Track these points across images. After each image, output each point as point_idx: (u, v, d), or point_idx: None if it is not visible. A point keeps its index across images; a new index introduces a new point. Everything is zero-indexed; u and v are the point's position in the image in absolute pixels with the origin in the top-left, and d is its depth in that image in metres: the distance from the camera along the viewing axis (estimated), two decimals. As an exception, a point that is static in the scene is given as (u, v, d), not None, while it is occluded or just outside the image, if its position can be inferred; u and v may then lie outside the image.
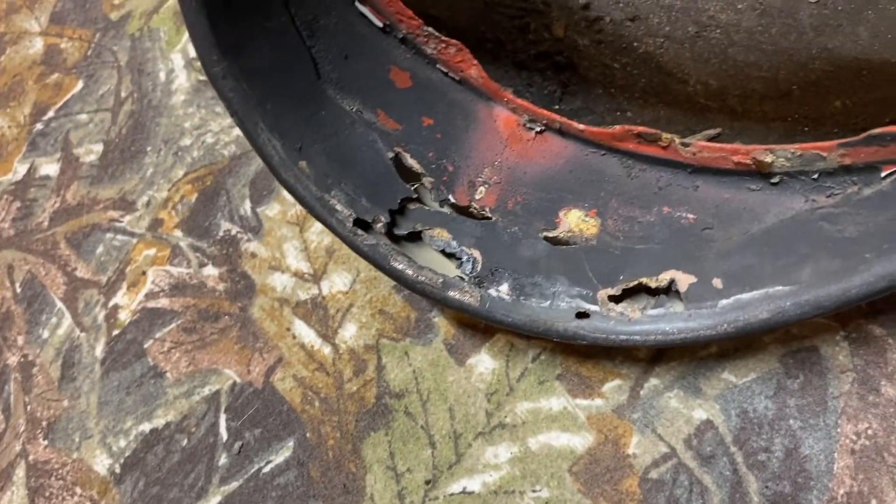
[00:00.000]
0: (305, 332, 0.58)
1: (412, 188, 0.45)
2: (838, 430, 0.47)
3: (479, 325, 0.55)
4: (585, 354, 0.52)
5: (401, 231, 0.45)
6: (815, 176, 0.41)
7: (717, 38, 0.58)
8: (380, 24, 0.44)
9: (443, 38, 0.44)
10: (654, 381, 0.51)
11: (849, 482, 0.46)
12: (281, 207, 0.63)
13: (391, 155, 0.45)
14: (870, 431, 0.47)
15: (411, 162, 0.45)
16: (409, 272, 0.44)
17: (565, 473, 0.49)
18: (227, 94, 0.38)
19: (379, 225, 0.44)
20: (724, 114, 0.55)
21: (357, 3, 0.43)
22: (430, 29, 0.44)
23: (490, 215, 0.46)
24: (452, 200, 0.46)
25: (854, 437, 0.47)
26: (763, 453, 0.48)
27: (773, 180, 0.42)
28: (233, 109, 0.39)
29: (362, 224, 0.43)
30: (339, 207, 0.43)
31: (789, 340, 0.50)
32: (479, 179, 0.47)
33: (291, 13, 0.40)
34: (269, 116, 0.40)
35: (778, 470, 0.47)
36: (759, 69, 0.56)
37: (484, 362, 0.54)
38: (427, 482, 0.51)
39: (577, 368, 0.52)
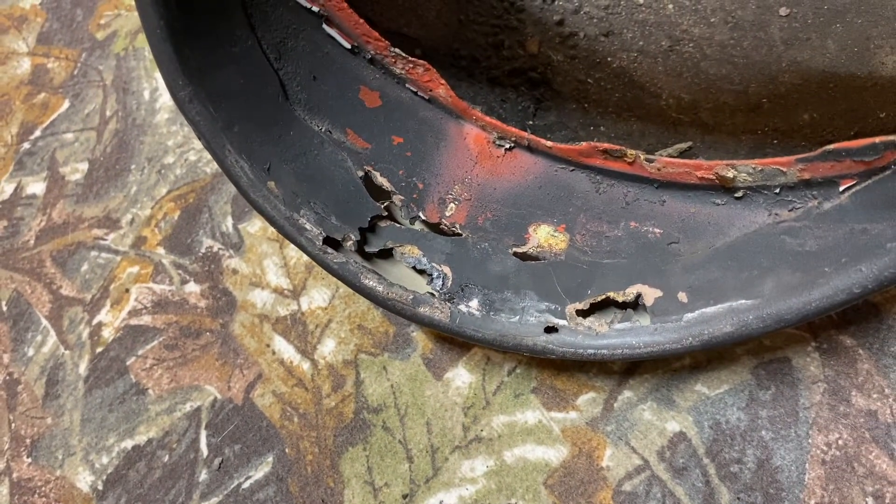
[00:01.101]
0: (285, 348, 0.58)
1: (382, 206, 0.46)
2: (809, 440, 0.47)
3: (456, 340, 0.56)
4: (560, 367, 0.53)
5: (372, 248, 0.46)
6: (777, 190, 0.41)
7: (690, 52, 0.59)
8: (348, 46, 0.45)
9: (410, 58, 0.44)
10: (627, 394, 0.51)
11: (820, 493, 0.46)
12: (262, 224, 0.64)
13: (361, 174, 0.45)
14: (840, 442, 0.47)
15: (381, 180, 0.46)
16: (380, 289, 0.44)
17: (540, 486, 0.50)
18: (195, 118, 0.39)
19: (349, 243, 0.44)
20: (696, 127, 0.56)
21: (324, 26, 0.44)
22: (397, 50, 0.44)
23: (460, 232, 0.47)
24: (423, 218, 0.47)
25: (825, 448, 0.47)
26: (735, 465, 0.48)
27: (737, 195, 0.43)
28: (200, 132, 0.39)
29: (332, 242, 0.44)
30: (308, 226, 0.43)
31: (761, 352, 0.50)
32: (450, 196, 0.47)
33: (258, 37, 0.41)
34: (237, 138, 0.40)
35: (750, 481, 0.47)
36: (731, 82, 0.56)
37: (461, 376, 0.55)
38: (404, 496, 0.52)
39: (552, 381, 0.53)
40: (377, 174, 0.46)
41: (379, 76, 0.46)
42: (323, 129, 0.44)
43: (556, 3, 0.61)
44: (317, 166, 0.44)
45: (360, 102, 0.45)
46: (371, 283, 0.44)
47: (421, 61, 0.44)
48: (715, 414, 0.49)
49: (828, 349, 0.49)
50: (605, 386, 0.52)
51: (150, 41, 0.37)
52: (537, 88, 0.58)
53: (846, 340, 0.49)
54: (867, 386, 0.48)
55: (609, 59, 0.59)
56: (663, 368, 0.51)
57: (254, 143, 0.41)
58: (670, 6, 0.61)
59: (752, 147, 0.53)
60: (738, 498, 0.47)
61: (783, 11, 0.57)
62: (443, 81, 0.45)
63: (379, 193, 0.46)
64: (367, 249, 0.46)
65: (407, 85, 0.46)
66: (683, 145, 0.55)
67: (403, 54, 0.44)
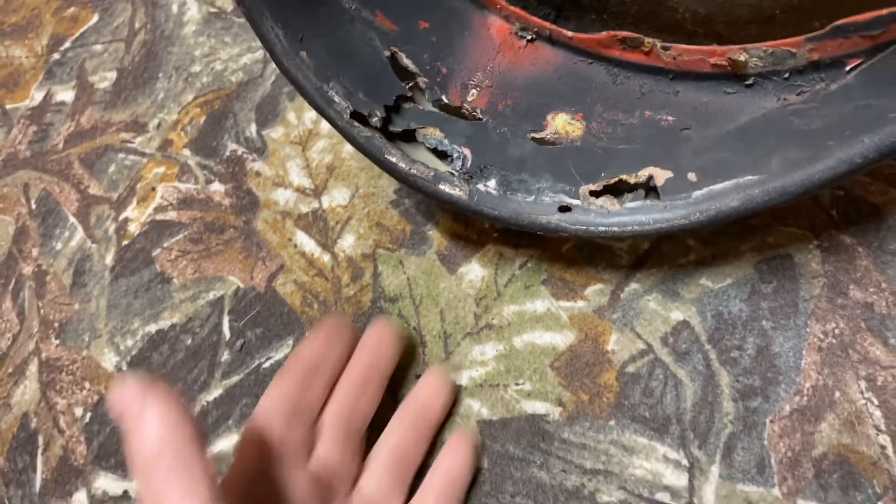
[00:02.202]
0: (306, 242, 0.60)
1: (407, 87, 0.47)
2: (807, 329, 0.50)
3: (470, 238, 0.58)
4: (569, 262, 0.55)
5: (395, 128, 0.48)
6: (787, 75, 0.43)
7: (708, -30, 0.60)
8: (380, -71, 0.47)
9: (439, -57, 0.46)
10: (634, 286, 0.53)
11: (815, 376, 0.48)
12: (285, 130, 0.66)
13: (388, 54, 0.47)
14: (836, 331, 0.49)
15: (407, 62, 0.48)
16: (402, 165, 0.47)
17: (547, 368, 0.52)
18: (235, -19, 0.41)
19: (374, 119, 0.46)
20: (711, 38, 0.58)
21: None
22: (428, -66, 0.46)
23: (481, 116, 0.49)
24: (445, 101, 0.48)
25: (822, 336, 0.49)
26: (736, 351, 0.50)
27: (747, 82, 0.45)
28: (240, -2, 0.41)
29: (359, 117, 0.46)
30: (337, 99, 0.45)
31: (765, 249, 0.52)
32: (472, 82, 0.49)
33: None
34: (274, 6, 0.42)
35: (749, 366, 0.49)
36: (746, -3, 0.58)
37: (474, 271, 0.57)
38: (417, 377, 0.54)
39: (562, 274, 0.55)
40: (403, 55, 0.47)
41: (408, -38, 0.48)
42: (353, 8, 0.46)
43: (579, -81, 0.63)
44: (347, 42, 0.46)
45: (389, -15, 0.47)
46: (394, 158, 0.47)
47: (449, -53, 0.46)
48: (718, 305, 0.52)
49: (829, 247, 0.52)
50: (613, 278, 0.54)
51: None
52: (558, -2, 0.60)
53: (846, 239, 0.52)
54: (865, 280, 0.50)
55: (628, -27, 0.61)
56: (669, 263, 0.54)
57: (289, 13, 0.43)
58: (690, -73, 0.62)
59: (764, 55, 0.55)
60: (738, 380, 0.49)
61: (800, -70, 0.58)
62: (469, -31, 0.47)
63: (404, 75, 0.48)
64: (391, 129, 0.48)
65: (434, -27, 0.48)
66: (698, 52, 0.56)
67: (433, -61, 0.46)
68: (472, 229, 0.58)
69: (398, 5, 0.48)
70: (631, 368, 0.51)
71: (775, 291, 0.51)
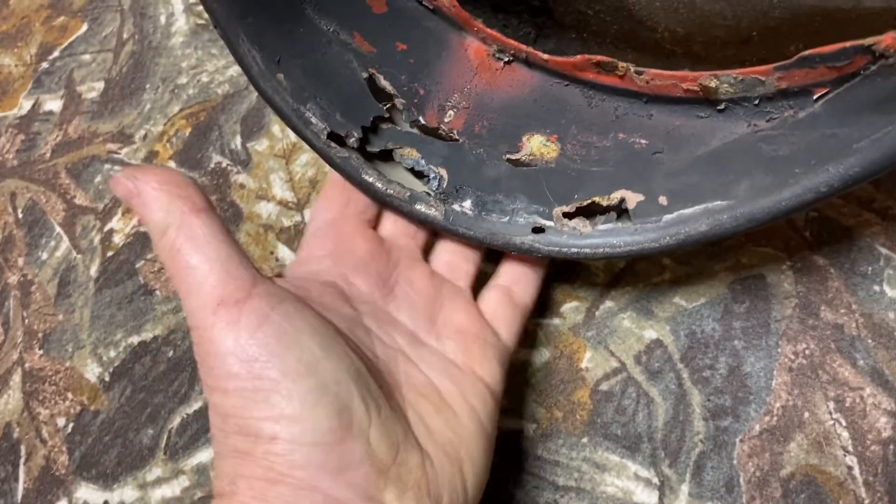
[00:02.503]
0: (288, 255, 0.61)
1: (385, 108, 0.48)
2: (779, 350, 0.50)
3: (450, 253, 0.59)
4: (546, 279, 0.55)
5: (373, 148, 0.48)
6: (756, 101, 0.44)
7: (688, -11, 0.61)
8: (358, -49, 0.47)
9: (417, -34, 0.47)
10: (609, 304, 0.54)
11: (785, 396, 0.49)
12: (269, 143, 0.66)
13: (365, 75, 0.48)
14: (807, 351, 0.50)
15: (384, 83, 0.48)
16: (379, 185, 0.47)
17: (522, 385, 0.53)
18: (212, 6, 0.41)
19: (352, 140, 0.47)
20: (689, 58, 0.58)
21: (337, -71, 0.46)
22: (405, -43, 0.47)
23: (457, 137, 0.49)
24: (423, 122, 0.49)
25: (792, 357, 0.50)
26: (708, 370, 0.51)
27: (719, 107, 0.45)
28: (216, 20, 0.42)
29: (336, 138, 0.47)
30: (314, 120, 0.46)
31: (739, 269, 0.53)
32: (449, 104, 0.50)
33: (274, -67, 0.44)
34: (251, 29, 0.43)
35: (721, 385, 0.50)
36: (724, 18, 0.58)
37: (453, 286, 0.57)
38: (394, 392, 0.55)
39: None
40: (381, 77, 0.48)
41: (386, -16, 0.49)
42: (331, 30, 0.47)
43: (561, -63, 0.63)
44: (324, 64, 0.46)
45: (367, 7, 0.48)
46: (371, 178, 0.47)
47: (427, -30, 0.47)
48: (691, 324, 0.52)
49: (801, 268, 0.52)
50: (589, 296, 0.55)
51: (173, -73, 0.39)
52: (539, 16, 0.60)
53: (819, 260, 0.52)
54: (836, 302, 0.51)
55: (609, -8, 0.62)
56: (644, 282, 0.54)
57: (266, 36, 0.44)
58: (671, -54, 0.63)
59: (740, 76, 0.56)
60: (709, 399, 0.50)
61: (779, -48, 0.59)
62: (447, -9, 0.48)
63: (382, 96, 0.48)
64: (369, 149, 0.48)
65: (412, -6, 0.49)
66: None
67: (410, -39, 0.47)
68: (452, 245, 0.59)
69: (376, 27, 0.48)
70: (604, 386, 0.52)
71: (748, 311, 0.52)
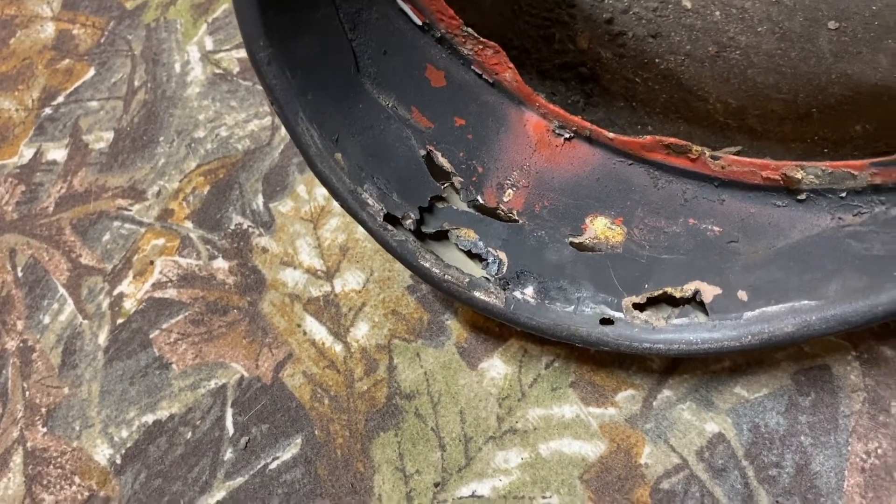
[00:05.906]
0: (317, 329, 0.57)
1: (442, 186, 0.45)
2: (849, 448, 0.48)
3: (492, 330, 0.55)
4: (599, 363, 0.52)
5: (428, 229, 0.45)
6: (843, 194, 0.41)
7: (737, 59, 0.59)
8: (419, 22, 0.44)
9: (481, 39, 0.44)
10: (667, 393, 0.51)
11: (858, 500, 0.46)
12: (294, 204, 0.63)
13: (423, 152, 0.45)
14: (879, 451, 0.47)
15: (442, 161, 0.45)
16: (436, 270, 0.44)
17: (576, 481, 0.49)
18: (271, 82, 0.38)
19: (408, 221, 0.44)
20: (744, 132, 0.56)
21: (398, 0, 0.43)
22: (469, 29, 0.44)
23: (517, 218, 0.46)
24: (480, 201, 0.46)
25: (864, 456, 0.47)
26: (774, 468, 0.48)
27: (799, 197, 0.43)
28: (274, 97, 0.39)
29: (392, 220, 0.43)
30: (370, 202, 0.42)
31: (801, 358, 0.51)
32: (508, 182, 0.47)
33: (336, 4, 0.40)
34: (309, 106, 0.40)
35: (788, 485, 0.47)
36: (779, 91, 0.57)
37: (496, 367, 0.54)
38: (436, 484, 0.51)
39: (591, 377, 0.52)
40: (438, 154, 0.45)
41: (445, 56, 0.46)
42: (389, 105, 0.44)
43: (607, 1, 0.61)
44: (382, 142, 0.43)
45: (426, 81, 0.45)
46: (428, 263, 0.44)
47: (492, 43, 0.44)
48: (754, 417, 0.49)
49: (868, 359, 0.50)
50: (645, 384, 0.52)
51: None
52: (586, 84, 0.58)
53: (887, 351, 0.50)
54: (907, 397, 0.48)
55: (657, 60, 0.60)
56: (702, 370, 0.51)
57: (325, 113, 0.40)
58: (717, 13, 0.61)
59: (800, 154, 0.54)
60: (777, 501, 0.47)
61: (832, 25, 0.57)
62: (510, 65, 0.45)
63: (439, 174, 0.45)
64: (424, 230, 0.45)
65: (472, 67, 0.46)
66: (733, 149, 0.55)
67: (475, 34, 0.44)
68: (493, 321, 0.56)
69: (434, 101, 0.45)
70: (665, 485, 0.48)
71: (814, 405, 0.49)
